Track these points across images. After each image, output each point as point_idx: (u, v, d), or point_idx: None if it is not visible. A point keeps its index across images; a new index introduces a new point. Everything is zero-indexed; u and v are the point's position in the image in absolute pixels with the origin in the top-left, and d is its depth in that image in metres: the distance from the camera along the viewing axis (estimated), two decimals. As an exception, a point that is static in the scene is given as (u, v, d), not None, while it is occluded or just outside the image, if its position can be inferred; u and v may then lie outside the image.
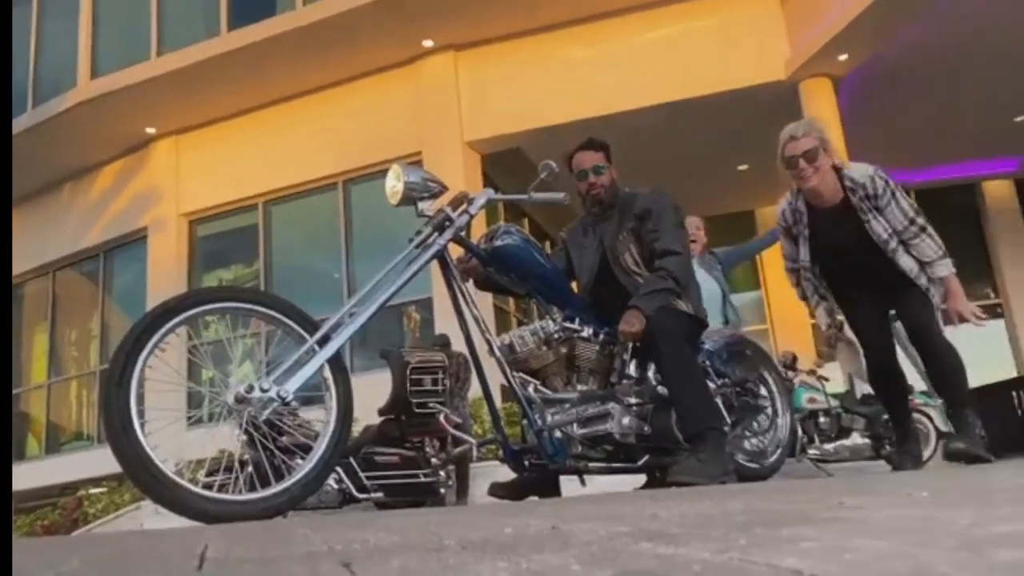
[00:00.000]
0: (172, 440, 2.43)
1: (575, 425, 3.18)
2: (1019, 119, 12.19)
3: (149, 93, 12.01)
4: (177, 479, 2.15)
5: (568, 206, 3.55)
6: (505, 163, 11.33)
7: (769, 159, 3.70)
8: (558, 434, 3.12)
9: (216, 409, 2.38)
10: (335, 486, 5.17)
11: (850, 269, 3.65)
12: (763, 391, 3.93)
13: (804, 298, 3.88)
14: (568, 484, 3.49)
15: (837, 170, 3.52)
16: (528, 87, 11.09)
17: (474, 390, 7.13)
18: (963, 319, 3.47)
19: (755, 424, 3.84)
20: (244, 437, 2.44)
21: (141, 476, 2.11)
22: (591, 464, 3.23)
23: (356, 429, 4.74)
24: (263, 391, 2.33)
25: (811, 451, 6.96)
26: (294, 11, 11.27)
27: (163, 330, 2.27)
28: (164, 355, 2.30)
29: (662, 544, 0.88)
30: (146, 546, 1.29)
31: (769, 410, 3.92)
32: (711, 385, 3.51)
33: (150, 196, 13.18)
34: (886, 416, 5.88)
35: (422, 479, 5.46)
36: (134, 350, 2.19)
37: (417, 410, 5.43)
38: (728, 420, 3.52)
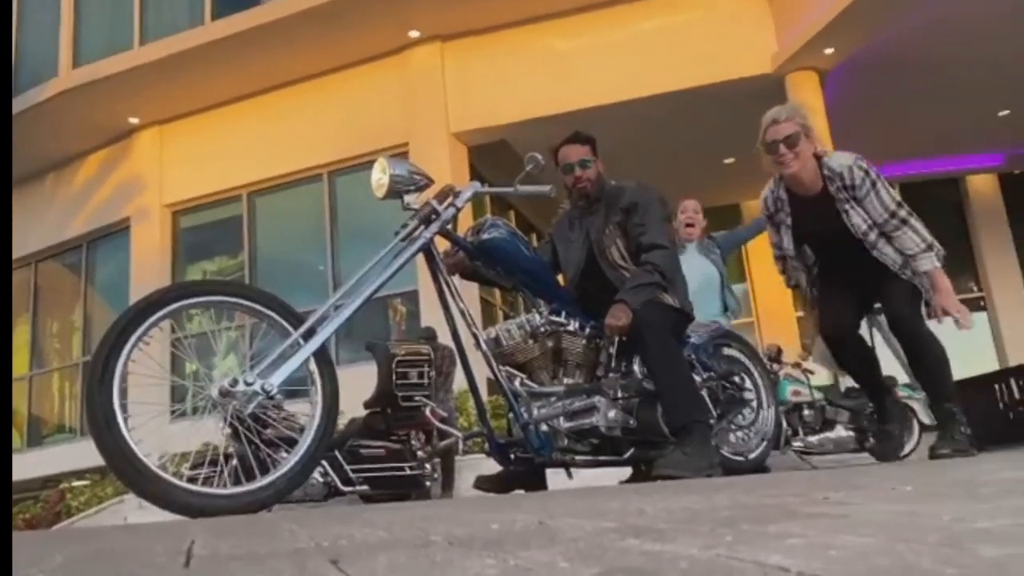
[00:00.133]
0: (156, 434, 2.41)
1: (561, 418, 3.19)
2: (1003, 114, 12.29)
3: (132, 82, 11.91)
4: (160, 473, 2.14)
5: (554, 199, 3.55)
6: (491, 155, 11.32)
7: (756, 152, 3.67)
8: (544, 427, 3.13)
9: (200, 403, 2.36)
10: (320, 479, 5.17)
11: (834, 258, 3.60)
12: (748, 384, 3.95)
13: (793, 286, 3.83)
14: (554, 477, 3.50)
15: (818, 158, 3.44)
16: (515, 79, 11.07)
17: (460, 383, 7.13)
18: (946, 313, 3.36)
19: (740, 417, 3.86)
20: (228, 430, 2.43)
21: (124, 470, 2.10)
22: (577, 457, 3.24)
23: (341, 422, 4.74)
24: (247, 385, 2.32)
25: (795, 443, 7.00)
26: (279, 0, 11.19)
27: (146, 324, 2.25)
28: (148, 348, 2.28)
29: (649, 540, 0.88)
30: (131, 542, 1.28)
31: (754, 403, 3.94)
32: (697, 378, 3.53)
33: (133, 187, 13.08)
34: (870, 409, 5.92)
35: (408, 472, 5.46)
36: (117, 344, 2.17)
37: (403, 403, 5.40)
38: (714, 413, 3.55)
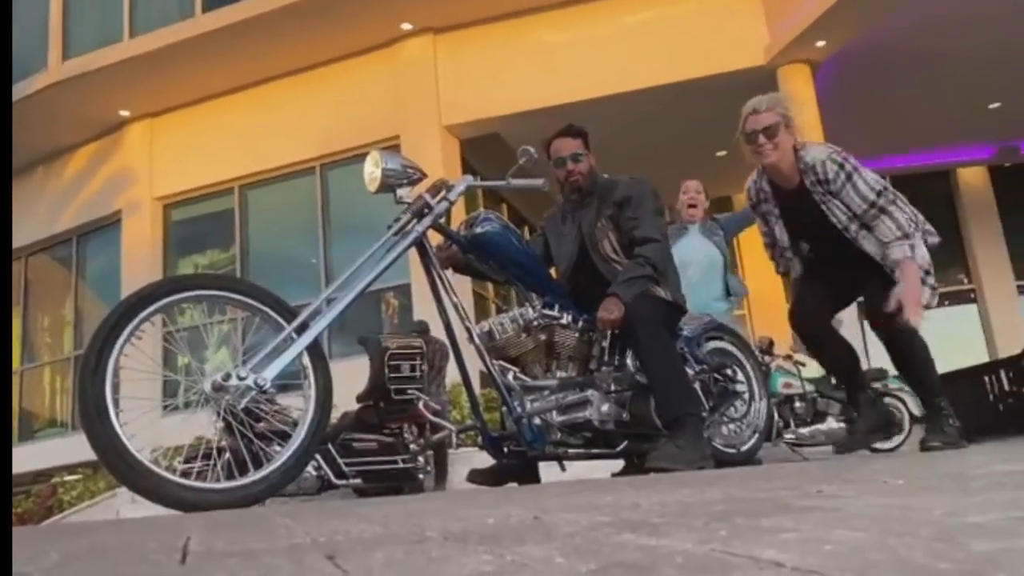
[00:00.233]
0: (148, 428, 2.41)
1: (554, 412, 3.19)
2: (994, 106, 12.33)
3: (122, 75, 11.85)
4: (153, 467, 2.13)
5: (547, 192, 3.54)
6: (484, 148, 11.30)
7: (736, 142, 3.62)
8: (537, 421, 3.13)
9: (193, 397, 2.36)
10: (314, 473, 5.16)
11: (823, 249, 3.54)
12: (740, 377, 3.96)
13: (783, 273, 3.77)
14: (547, 469, 3.51)
15: (797, 150, 3.37)
16: (507, 72, 11.04)
17: (453, 376, 7.13)
18: (900, 308, 3.13)
19: (732, 409, 3.88)
20: (221, 424, 2.43)
21: (117, 464, 2.09)
22: (570, 450, 3.25)
23: (334, 416, 4.73)
24: (241, 380, 2.32)
25: (787, 435, 7.04)
26: (270, -8, 11.14)
27: (138, 318, 2.24)
28: (139, 343, 2.28)
29: (644, 535, 0.89)
30: (125, 538, 1.28)
31: (746, 395, 3.96)
32: (689, 371, 3.53)
33: (124, 180, 13.01)
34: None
35: (401, 465, 5.47)
36: (109, 338, 2.17)
37: (395, 396, 5.44)
38: (706, 406, 3.56)
